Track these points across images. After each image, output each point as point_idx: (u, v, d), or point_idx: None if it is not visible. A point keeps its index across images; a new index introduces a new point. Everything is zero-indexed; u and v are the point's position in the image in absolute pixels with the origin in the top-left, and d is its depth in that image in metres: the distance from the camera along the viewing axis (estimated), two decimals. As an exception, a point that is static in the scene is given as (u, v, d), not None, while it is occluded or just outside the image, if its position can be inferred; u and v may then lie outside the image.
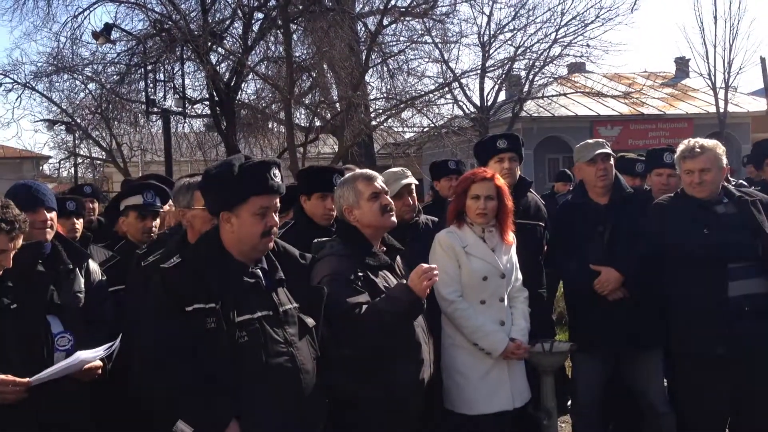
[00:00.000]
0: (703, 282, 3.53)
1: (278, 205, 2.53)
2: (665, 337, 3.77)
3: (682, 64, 26.77)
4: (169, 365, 2.30)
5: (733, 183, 4.50)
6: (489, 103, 18.89)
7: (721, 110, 20.85)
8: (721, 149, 3.74)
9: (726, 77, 20.95)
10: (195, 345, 2.31)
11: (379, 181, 3.23)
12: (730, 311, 3.49)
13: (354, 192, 3.15)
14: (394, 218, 3.20)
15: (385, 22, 14.93)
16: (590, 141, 4.23)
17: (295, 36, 14.13)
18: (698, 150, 3.67)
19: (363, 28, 15.13)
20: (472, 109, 18.79)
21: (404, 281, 3.02)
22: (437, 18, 16.20)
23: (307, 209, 3.97)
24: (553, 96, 20.71)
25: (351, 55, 13.00)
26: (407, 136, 20.26)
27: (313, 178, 4.05)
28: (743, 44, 28.15)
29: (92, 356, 2.73)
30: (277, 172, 2.50)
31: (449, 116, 18.62)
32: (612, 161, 4.10)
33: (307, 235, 3.45)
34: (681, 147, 3.80)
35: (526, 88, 19.22)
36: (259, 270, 2.50)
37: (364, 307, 2.91)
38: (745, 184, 5.35)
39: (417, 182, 4.00)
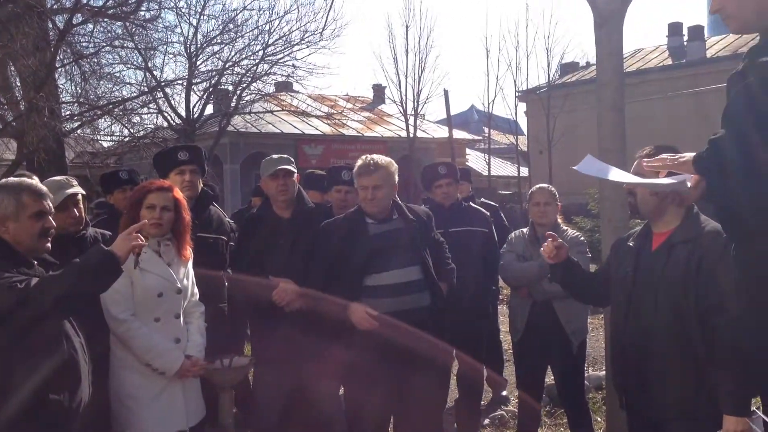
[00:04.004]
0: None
1: None
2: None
3: (378, 91, 29.04)
4: None
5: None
6: (195, 116, 18.48)
7: (411, 135, 23.03)
8: (394, 167, 3.94)
9: (415, 105, 23.27)
10: None
11: (49, 201, 2.89)
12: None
13: (16, 202, 2.76)
14: (49, 245, 2.87)
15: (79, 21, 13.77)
16: (274, 156, 4.30)
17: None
18: (372, 167, 3.84)
19: (53, 27, 13.74)
20: (177, 120, 18.21)
21: None
22: (139, 22, 15.39)
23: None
24: (260, 112, 20.97)
25: (36, 52, 11.69)
26: (106, 145, 18.89)
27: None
28: (430, 76, 31.50)
29: None
30: None
31: (153, 126, 17.84)
32: (295, 177, 4.20)
33: None
34: (358, 163, 3.94)
35: (233, 103, 19.20)
36: None
37: (33, 279, 2.61)
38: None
39: (84, 192, 3.68)
